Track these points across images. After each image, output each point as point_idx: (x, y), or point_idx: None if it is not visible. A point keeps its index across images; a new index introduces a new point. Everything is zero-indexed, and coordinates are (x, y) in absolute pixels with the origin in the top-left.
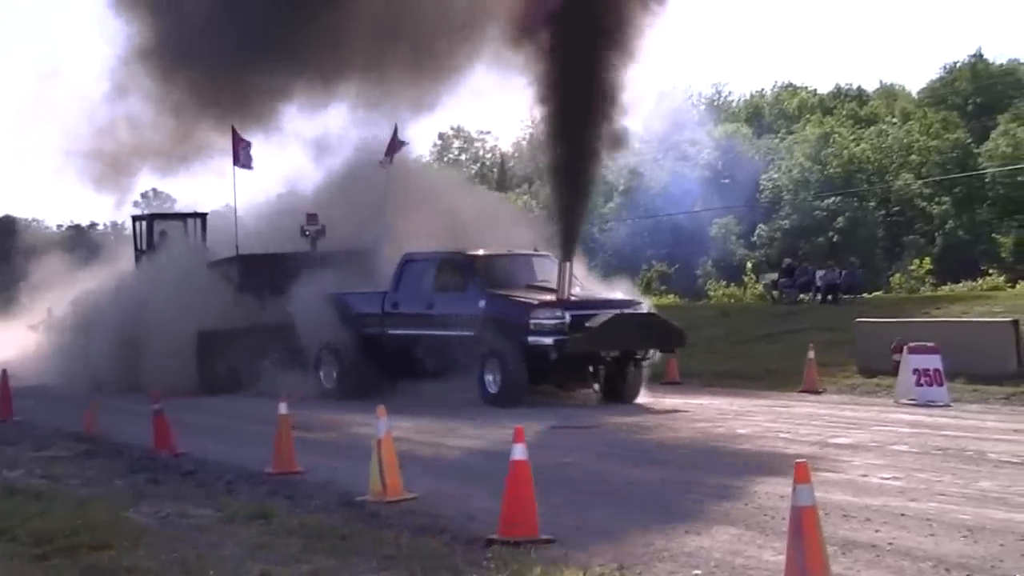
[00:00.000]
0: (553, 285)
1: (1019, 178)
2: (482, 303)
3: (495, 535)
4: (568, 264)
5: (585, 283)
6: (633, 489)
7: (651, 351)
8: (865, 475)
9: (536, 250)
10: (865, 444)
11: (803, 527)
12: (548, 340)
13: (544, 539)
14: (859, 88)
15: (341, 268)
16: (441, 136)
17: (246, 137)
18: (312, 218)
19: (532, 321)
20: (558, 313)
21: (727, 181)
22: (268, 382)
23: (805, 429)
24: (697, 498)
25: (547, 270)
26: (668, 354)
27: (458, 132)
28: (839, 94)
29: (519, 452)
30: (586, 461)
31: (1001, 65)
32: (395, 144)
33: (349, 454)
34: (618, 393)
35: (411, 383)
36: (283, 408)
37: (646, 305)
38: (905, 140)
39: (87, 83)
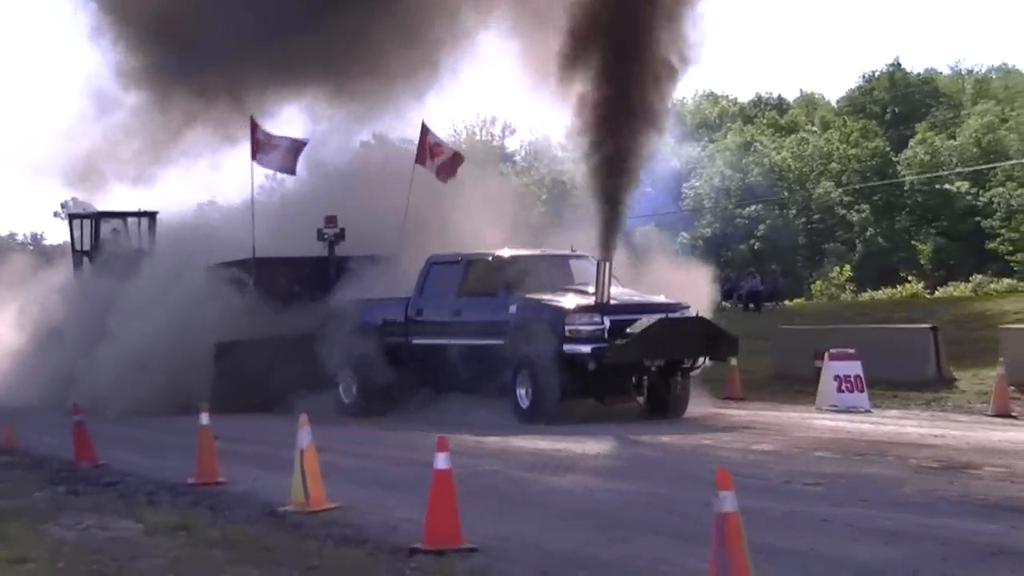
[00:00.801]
0: (591, 289)
1: (937, 186)
2: (512, 308)
3: (418, 545)
4: (607, 264)
5: (627, 286)
6: (557, 497)
7: (700, 359)
8: (788, 481)
9: (573, 250)
10: (788, 450)
11: (726, 534)
12: (585, 348)
13: (468, 548)
14: (779, 97)
15: (364, 274)
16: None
17: (271, 132)
18: (331, 221)
19: (568, 327)
20: (596, 318)
21: (649, 190)
22: (293, 399)
23: (728, 436)
24: (620, 506)
25: (585, 272)
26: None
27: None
28: (759, 103)
29: (441, 461)
30: (511, 470)
31: (919, 75)
32: (452, 160)
33: (273, 464)
34: (664, 406)
35: (438, 398)
36: (204, 418)
37: (693, 309)
38: (825, 148)
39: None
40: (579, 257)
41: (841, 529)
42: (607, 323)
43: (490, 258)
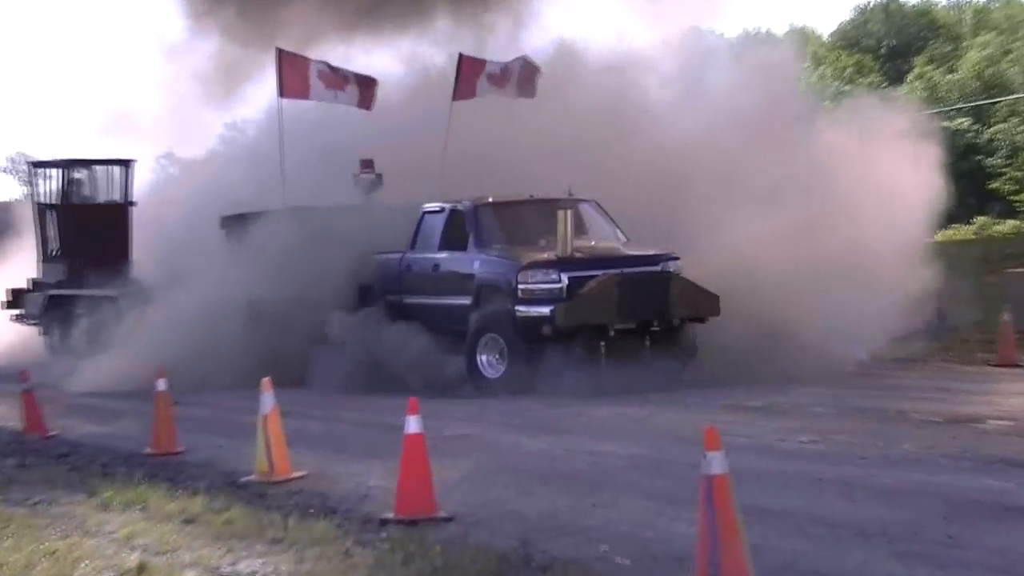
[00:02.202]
0: (601, 241)
1: (936, 123)
2: (476, 264)
3: (390, 515)
4: (567, 211)
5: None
6: (535, 461)
7: (675, 320)
8: (782, 440)
9: (570, 194)
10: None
11: (715, 497)
12: (543, 310)
13: (443, 517)
14: (768, 31)
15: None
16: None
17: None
18: (367, 164)
19: (520, 286)
20: (553, 275)
21: None
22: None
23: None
24: (604, 469)
25: (592, 221)
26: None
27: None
28: (747, 38)
29: (413, 425)
30: (487, 432)
31: (915, 5)
32: (528, 70)
33: (235, 432)
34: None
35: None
36: (162, 384)
37: (673, 265)
38: (818, 85)
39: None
40: (577, 202)
41: None
42: (565, 280)
43: (461, 206)
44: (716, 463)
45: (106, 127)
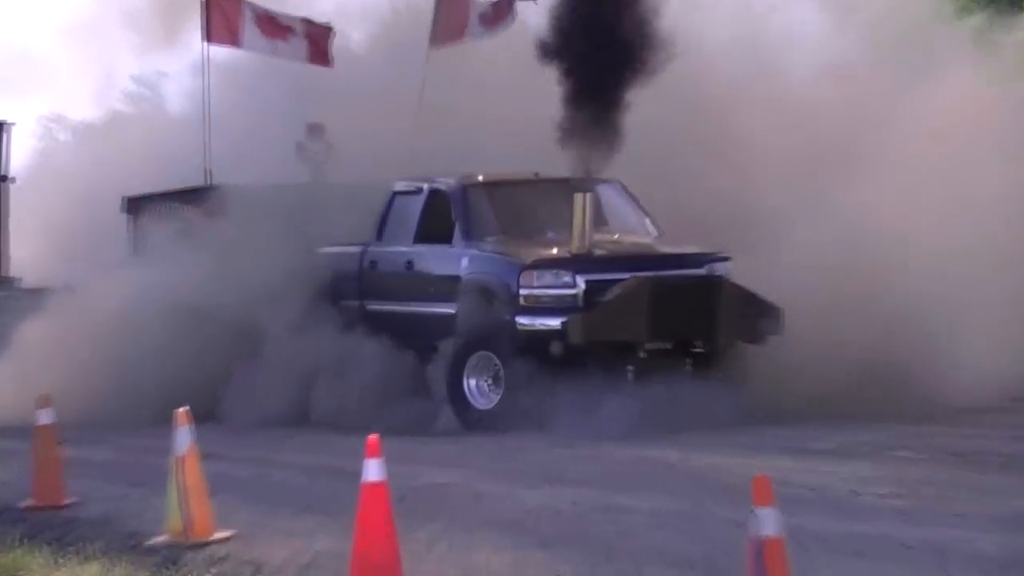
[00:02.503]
0: (628, 234)
1: None
2: (464, 261)
3: None
4: (586, 196)
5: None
6: (534, 517)
7: (724, 340)
8: (856, 492)
9: (589, 173)
10: None
11: (767, 566)
12: (552, 323)
13: None
14: None
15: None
16: None
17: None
18: (316, 130)
19: (523, 291)
20: (565, 278)
21: None
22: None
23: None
24: (623, 530)
25: (617, 208)
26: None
27: None
28: None
29: (373, 471)
30: (473, 481)
31: None
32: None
33: (140, 478)
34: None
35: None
36: (44, 416)
37: (721, 267)
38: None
39: None
40: (597, 183)
41: None
42: (582, 284)
43: (445, 186)
44: (768, 522)
45: None
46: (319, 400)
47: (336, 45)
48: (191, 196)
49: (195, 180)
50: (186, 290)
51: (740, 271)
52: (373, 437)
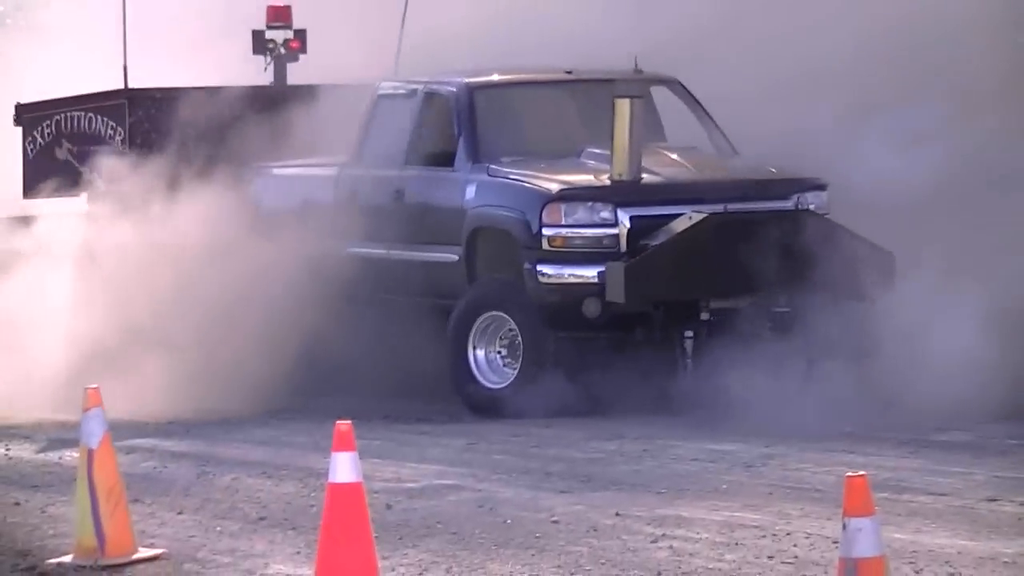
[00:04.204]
0: (689, 153)
1: None
2: (470, 190)
3: None
4: (632, 101)
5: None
6: (562, 535)
7: (812, 296)
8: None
9: (638, 71)
10: None
11: None
12: (586, 273)
13: None
14: None
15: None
16: None
17: None
18: (279, 16)
19: (547, 231)
20: (604, 213)
21: None
22: None
23: None
24: (679, 550)
25: (674, 118)
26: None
27: None
28: None
29: (344, 468)
30: (480, 482)
31: None
32: None
33: (41, 480)
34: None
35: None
36: None
37: (814, 199)
38: None
39: None
40: (642, 82)
41: None
42: (626, 222)
43: (446, 88)
44: (864, 538)
45: None
46: (279, 376)
47: None
48: (101, 103)
49: (111, 82)
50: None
51: (840, 205)
52: (344, 424)
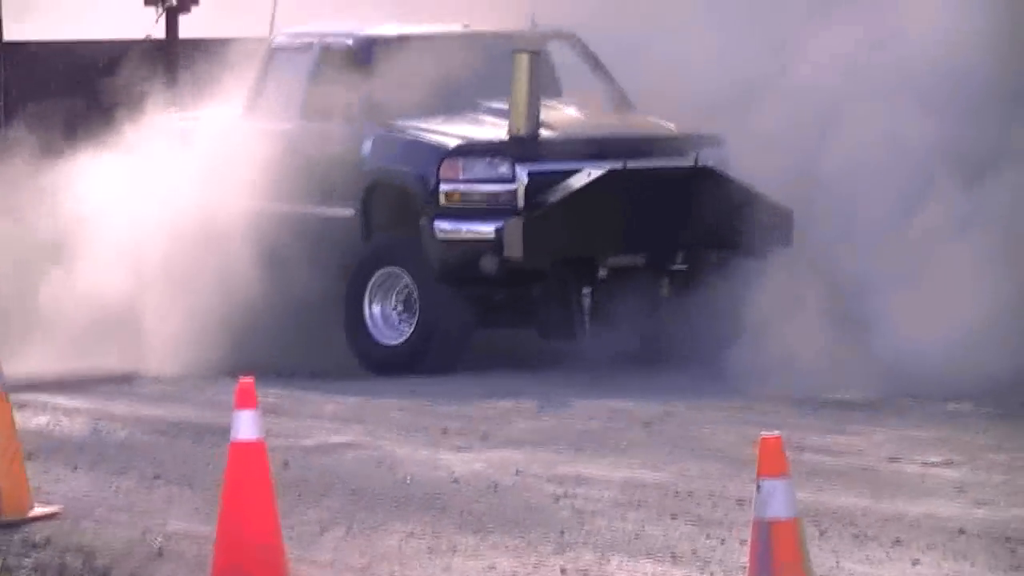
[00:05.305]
0: (588, 109)
1: None
2: (367, 145)
3: None
4: (531, 56)
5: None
6: (463, 492)
7: (715, 254)
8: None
9: (535, 24)
10: None
11: (775, 554)
12: (483, 229)
13: None
14: None
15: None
16: None
17: None
18: None
19: (444, 186)
20: (502, 168)
21: None
22: None
23: None
24: (580, 508)
25: (573, 74)
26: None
27: None
28: None
29: (246, 425)
30: (378, 439)
31: None
32: None
33: None
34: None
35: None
36: None
37: (713, 155)
38: None
39: None
40: (539, 37)
41: None
42: (524, 177)
43: (349, 42)
44: (778, 498)
45: None
46: (170, 332)
47: None
48: None
49: None
50: None
51: (739, 161)
52: (246, 381)
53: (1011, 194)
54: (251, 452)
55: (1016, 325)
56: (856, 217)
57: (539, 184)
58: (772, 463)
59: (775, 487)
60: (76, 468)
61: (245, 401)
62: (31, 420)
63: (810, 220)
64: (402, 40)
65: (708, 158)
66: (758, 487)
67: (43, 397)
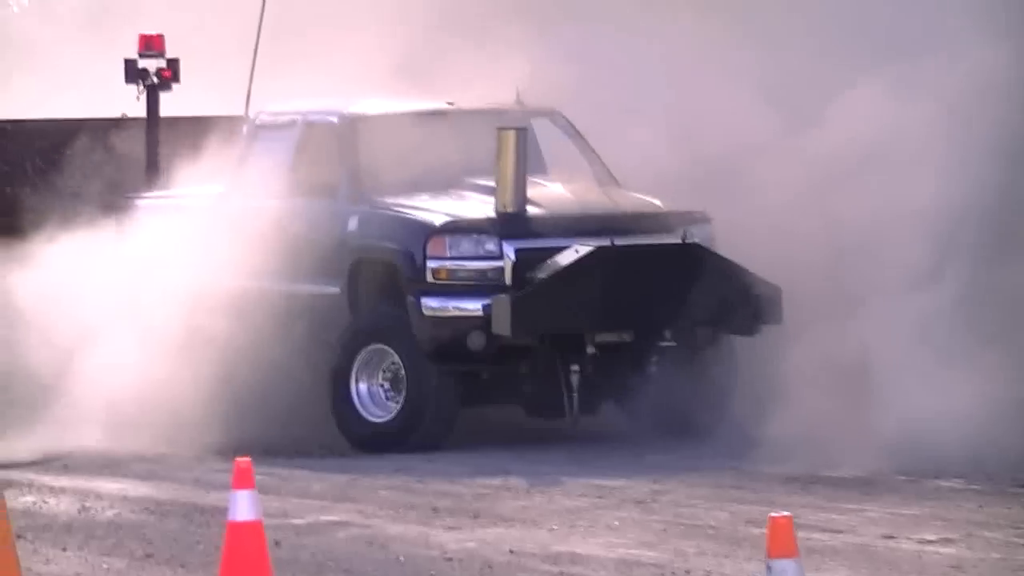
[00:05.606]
0: (574, 185)
1: None
2: (352, 222)
3: None
4: (517, 133)
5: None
6: (454, 572)
7: (703, 331)
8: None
9: (520, 101)
10: None
11: None
12: (470, 306)
13: None
14: None
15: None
16: None
17: None
18: (150, 45)
19: (432, 263)
20: (489, 245)
21: None
22: None
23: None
24: None
25: (559, 152)
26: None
27: None
28: None
29: (244, 506)
30: (368, 518)
31: None
32: None
33: None
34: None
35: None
36: None
37: (700, 232)
38: None
39: None
40: (527, 114)
41: None
42: (511, 254)
43: (333, 119)
44: None
45: None
46: (154, 412)
47: None
48: None
49: None
50: None
51: (726, 238)
52: (244, 461)
53: (1006, 278)
54: (249, 532)
55: (1006, 403)
56: (845, 294)
57: (527, 261)
58: (782, 544)
59: (786, 568)
60: (65, 548)
61: (243, 481)
62: (17, 499)
63: (801, 296)
64: (387, 118)
65: (695, 235)
66: (768, 568)
67: (28, 475)
